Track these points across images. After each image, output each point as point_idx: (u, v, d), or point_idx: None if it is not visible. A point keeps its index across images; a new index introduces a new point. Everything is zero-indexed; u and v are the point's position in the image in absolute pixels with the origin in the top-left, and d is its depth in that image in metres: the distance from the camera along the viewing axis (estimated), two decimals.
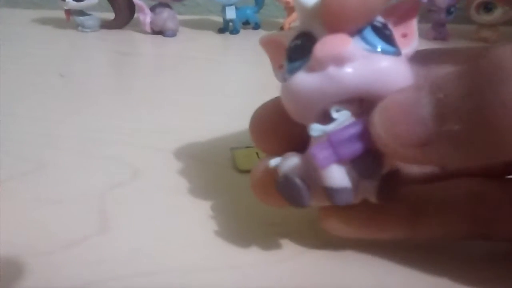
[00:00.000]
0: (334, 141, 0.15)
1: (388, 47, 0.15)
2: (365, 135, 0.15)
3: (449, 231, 0.18)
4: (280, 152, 0.17)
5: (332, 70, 0.15)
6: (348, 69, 0.15)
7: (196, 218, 0.21)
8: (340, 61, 0.15)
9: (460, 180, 0.18)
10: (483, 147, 0.13)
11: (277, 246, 0.19)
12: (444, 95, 0.14)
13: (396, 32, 0.17)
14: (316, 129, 0.15)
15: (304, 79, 0.15)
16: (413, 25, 0.17)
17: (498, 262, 0.18)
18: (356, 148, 0.15)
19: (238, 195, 0.22)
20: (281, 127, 0.17)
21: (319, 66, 0.15)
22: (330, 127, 0.15)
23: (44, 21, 0.61)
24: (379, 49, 0.15)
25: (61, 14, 0.58)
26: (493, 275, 0.18)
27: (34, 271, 0.18)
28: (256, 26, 0.60)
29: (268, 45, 0.19)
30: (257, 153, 0.25)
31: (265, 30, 0.59)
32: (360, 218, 0.18)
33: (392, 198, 0.16)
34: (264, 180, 0.18)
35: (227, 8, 0.56)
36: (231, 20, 0.57)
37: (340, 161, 0.15)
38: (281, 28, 0.58)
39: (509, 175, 0.19)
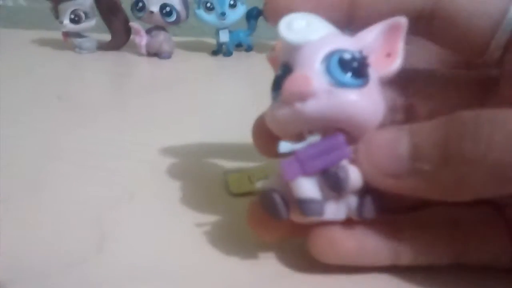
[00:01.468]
0: (300, 156, 0.17)
1: (353, 81, 0.17)
2: (329, 151, 0.17)
3: (430, 255, 0.19)
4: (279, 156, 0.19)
5: (298, 105, 0.17)
6: (312, 105, 0.17)
7: (191, 238, 0.22)
8: (304, 98, 0.17)
9: (437, 207, 0.20)
10: (447, 188, 0.16)
11: (264, 266, 0.20)
12: (420, 140, 0.17)
13: (381, 52, 0.18)
14: (284, 147, 0.18)
15: (277, 111, 0.18)
16: (398, 45, 0.18)
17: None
18: (321, 163, 0.17)
19: (229, 216, 0.23)
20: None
21: (287, 102, 0.17)
22: (298, 145, 0.17)
23: (42, 42, 0.63)
24: (343, 83, 0.17)
25: (59, 35, 0.59)
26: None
27: None
28: (249, 49, 0.61)
29: (273, 61, 0.20)
30: (249, 177, 0.26)
31: (257, 52, 0.61)
32: (348, 247, 0.19)
33: (371, 215, 0.18)
34: (260, 216, 0.19)
35: (220, 32, 0.58)
36: (224, 43, 0.59)
37: (306, 174, 0.17)
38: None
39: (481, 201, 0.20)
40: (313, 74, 0.17)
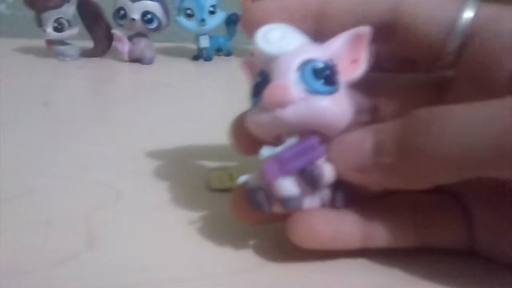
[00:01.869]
0: (281, 158, 0.19)
1: (325, 88, 0.19)
2: (305, 153, 0.19)
3: (396, 238, 0.21)
4: (256, 153, 0.21)
5: (278, 111, 0.19)
6: (289, 111, 0.18)
7: (174, 234, 0.23)
8: (283, 105, 0.18)
9: (402, 194, 0.22)
10: (407, 179, 0.18)
11: (243, 258, 0.21)
12: (382, 137, 0.19)
13: (346, 59, 0.20)
14: (265, 151, 0.20)
15: (258, 116, 0.19)
16: (362, 52, 0.20)
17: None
18: (299, 163, 0.19)
19: (211, 212, 0.25)
20: None
21: (268, 108, 0.19)
22: (278, 149, 0.19)
23: (25, 50, 0.63)
24: (316, 91, 0.19)
25: (41, 43, 0.60)
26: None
27: (24, 286, 0.19)
28: (228, 53, 0.63)
29: (248, 67, 0.22)
30: (230, 175, 0.28)
31: (236, 57, 0.62)
32: (324, 231, 0.20)
33: (344, 204, 0.20)
34: (244, 201, 0.21)
35: (200, 37, 0.60)
36: (204, 48, 0.61)
37: (286, 174, 0.19)
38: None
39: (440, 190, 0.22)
40: (290, 83, 0.19)
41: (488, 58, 0.19)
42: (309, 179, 0.19)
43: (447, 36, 0.20)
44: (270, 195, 0.20)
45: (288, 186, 0.19)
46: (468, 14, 0.19)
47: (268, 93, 0.19)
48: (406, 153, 0.18)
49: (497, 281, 0.20)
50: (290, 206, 0.19)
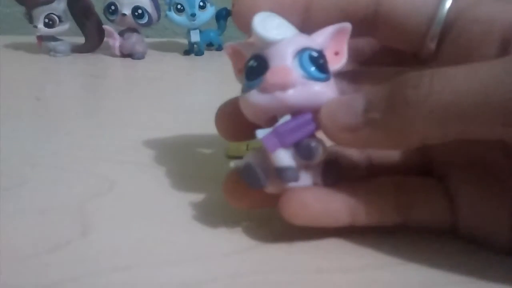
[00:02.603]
0: (279, 131, 0.20)
1: (320, 75, 0.20)
2: (302, 127, 0.20)
3: (380, 217, 0.22)
4: (240, 139, 0.21)
5: (278, 93, 0.20)
6: (290, 93, 0.20)
7: (167, 220, 0.24)
8: (284, 87, 0.20)
9: (387, 176, 0.23)
10: (397, 134, 0.19)
11: (235, 240, 0.22)
12: (372, 96, 0.19)
13: (330, 51, 0.22)
14: (261, 132, 0.20)
15: (257, 97, 0.20)
16: (344, 45, 0.22)
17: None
18: (295, 136, 0.20)
19: (204, 199, 0.25)
20: (240, 118, 0.22)
21: (269, 90, 0.20)
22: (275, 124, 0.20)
23: (16, 47, 0.64)
24: (313, 76, 0.20)
25: (32, 39, 0.60)
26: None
27: (21, 271, 0.20)
28: (219, 48, 0.64)
29: (231, 52, 0.23)
30: (247, 145, 0.29)
31: None
32: (315, 208, 0.21)
33: (334, 182, 0.21)
34: (235, 185, 0.22)
35: (191, 32, 0.61)
36: (195, 43, 0.61)
37: (284, 146, 0.20)
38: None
39: (421, 172, 0.23)
40: (290, 67, 0.20)
41: (468, 43, 0.20)
42: (305, 152, 0.20)
43: (429, 25, 0.21)
44: (266, 171, 0.21)
45: (286, 157, 0.20)
46: (447, 2, 0.20)
47: (272, 75, 0.20)
48: (395, 106, 0.18)
49: (476, 261, 0.20)
50: (287, 177, 0.20)
